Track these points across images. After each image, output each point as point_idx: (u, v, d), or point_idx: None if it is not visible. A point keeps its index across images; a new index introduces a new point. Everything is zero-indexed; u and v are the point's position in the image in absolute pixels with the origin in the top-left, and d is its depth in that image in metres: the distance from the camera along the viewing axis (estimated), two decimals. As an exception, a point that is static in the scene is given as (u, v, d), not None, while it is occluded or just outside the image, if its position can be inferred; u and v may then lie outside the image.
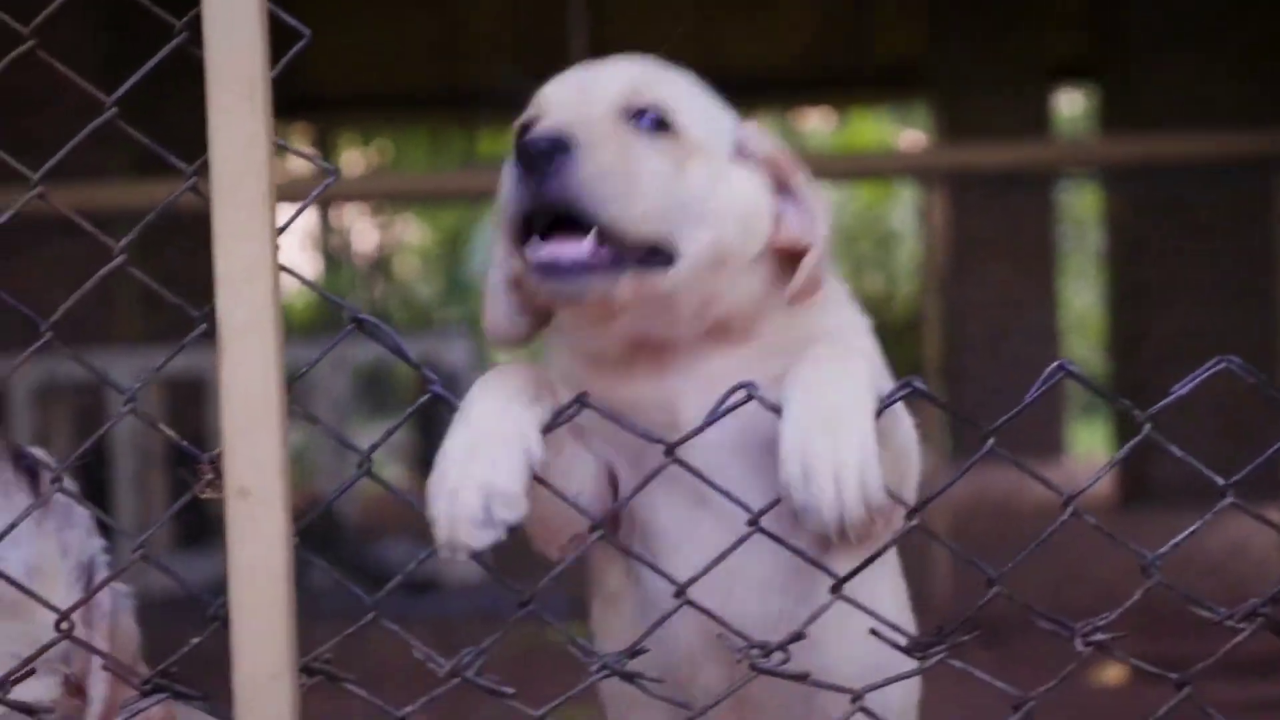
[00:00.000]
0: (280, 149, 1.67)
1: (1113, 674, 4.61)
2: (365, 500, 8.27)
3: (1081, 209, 15.72)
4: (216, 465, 1.61)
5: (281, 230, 1.65)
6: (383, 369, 7.87)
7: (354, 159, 18.16)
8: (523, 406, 1.64)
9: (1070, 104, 16.68)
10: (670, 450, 1.63)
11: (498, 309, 1.83)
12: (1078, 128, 15.99)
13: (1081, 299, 16.20)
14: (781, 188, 1.77)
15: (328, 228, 18.25)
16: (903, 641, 1.57)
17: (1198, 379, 1.59)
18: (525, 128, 1.73)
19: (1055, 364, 1.59)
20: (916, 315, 6.66)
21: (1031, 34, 11.30)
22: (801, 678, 1.59)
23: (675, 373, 1.75)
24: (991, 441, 1.61)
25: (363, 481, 1.79)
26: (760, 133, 1.81)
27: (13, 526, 1.72)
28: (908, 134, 17.50)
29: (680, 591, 1.64)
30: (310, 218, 17.61)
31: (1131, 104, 8.38)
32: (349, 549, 6.39)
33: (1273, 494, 6.15)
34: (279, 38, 1.61)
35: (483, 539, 1.58)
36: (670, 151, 1.69)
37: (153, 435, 6.76)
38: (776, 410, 1.60)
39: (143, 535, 1.66)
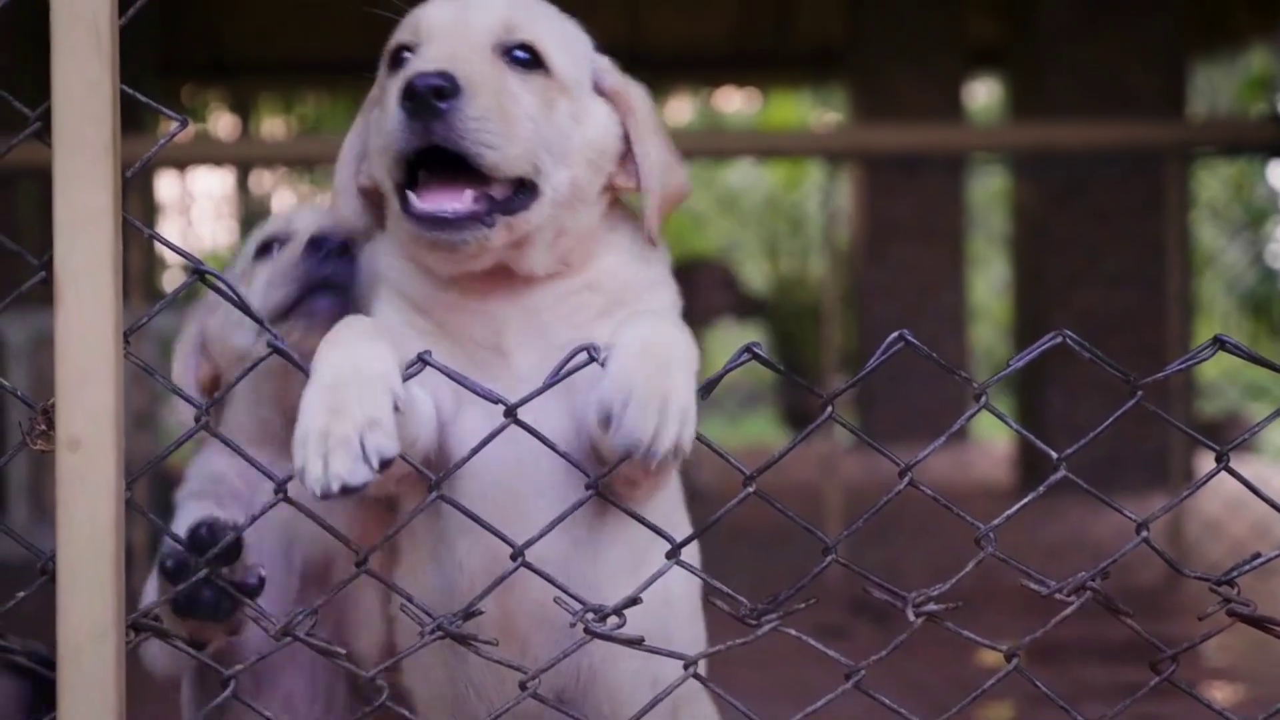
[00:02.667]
0: (125, 95, 1.64)
1: (993, 657, 4.67)
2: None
3: (987, 195, 15.82)
4: (50, 416, 1.58)
5: (126, 180, 1.62)
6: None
7: (275, 126, 17.97)
8: (378, 348, 1.65)
9: (988, 92, 16.77)
10: (511, 411, 1.63)
11: (349, 204, 1.91)
12: (993, 116, 16.08)
13: (986, 284, 16.31)
14: (626, 125, 1.83)
15: (246, 193, 18.05)
16: (736, 610, 1.57)
17: (1034, 354, 1.61)
18: (401, 50, 1.78)
19: (895, 334, 1.60)
20: (825, 297, 6.66)
21: (948, 20, 11.35)
22: (636, 642, 1.59)
23: (501, 300, 1.79)
24: (830, 411, 1.62)
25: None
26: (612, 66, 1.86)
27: None
28: (824, 116, 17.52)
29: (518, 554, 1.63)
30: (227, 182, 17.43)
31: (1040, 92, 8.45)
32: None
33: (1161, 481, 6.24)
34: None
35: (360, 474, 1.56)
36: (541, 91, 1.75)
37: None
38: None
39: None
